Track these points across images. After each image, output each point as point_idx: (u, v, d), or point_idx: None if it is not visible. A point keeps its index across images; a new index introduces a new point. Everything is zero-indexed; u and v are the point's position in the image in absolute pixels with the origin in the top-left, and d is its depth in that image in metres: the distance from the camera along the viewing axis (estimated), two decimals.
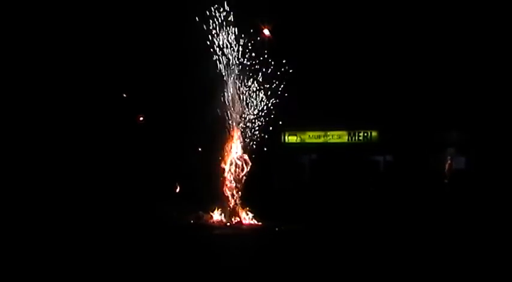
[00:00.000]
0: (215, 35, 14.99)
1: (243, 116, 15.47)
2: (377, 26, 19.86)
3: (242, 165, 15.47)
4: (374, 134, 22.30)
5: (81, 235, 11.26)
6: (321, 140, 22.97)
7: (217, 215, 15.32)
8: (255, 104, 15.51)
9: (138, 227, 12.83)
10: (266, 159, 19.24)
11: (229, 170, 15.42)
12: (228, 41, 15.08)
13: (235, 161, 15.47)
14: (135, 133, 20.91)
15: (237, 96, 15.29)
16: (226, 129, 15.50)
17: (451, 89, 19.71)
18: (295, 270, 8.28)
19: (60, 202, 15.80)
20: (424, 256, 9.36)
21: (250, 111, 15.54)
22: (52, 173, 18.30)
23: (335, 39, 20.13)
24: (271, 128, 16.18)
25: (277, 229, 13.35)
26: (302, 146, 23.17)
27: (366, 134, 22.41)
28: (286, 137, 23.28)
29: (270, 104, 15.75)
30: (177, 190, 16.42)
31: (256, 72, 15.48)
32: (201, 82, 15.86)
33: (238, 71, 15.26)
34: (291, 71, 15.99)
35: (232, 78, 15.21)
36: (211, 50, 15.07)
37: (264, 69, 15.53)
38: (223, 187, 15.40)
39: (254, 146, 15.72)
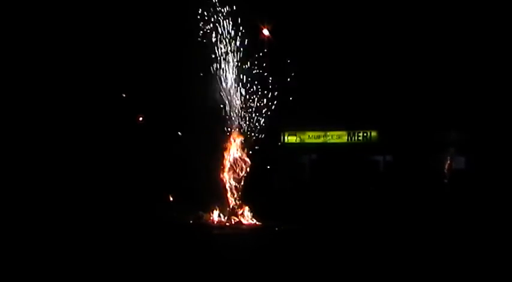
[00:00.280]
0: (215, 35, 14.99)
1: (243, 115, 15.47)
2: (377, 26, 19.87)
3: (242, 165, 15.46)
4: (374, 134, 22.32)
5: (81, 235, 11.25)
6: (321, 140, 23.00)
7: (217, 215, 15.31)
8: (255, 103, 15.49)
9: (138, 227, 12.82)
10: (266, 159, 19.25)
11: (229, 170, 15.41)
12: (227, 40, 15.07)
13: (235, 161, 15.46)
14: (135, 133, 20.90)
15: (237, 96, 15.28)
16: (226, 129, 15.50)
17: (451, 89, 19.73)
18: (295, 270, 8.28)
19: (60, 202, 15.79)
20: (424, 256, 9.35)
21: (250, 111, 15.53)
22: (52, 172, 18.29)
23: (335, 39, 20.15)
24: (271, 128, 16.18)
25: (277, 229, 13.34)
26: (302, 146, 23.20)
27: (365, 134, 22.43)
28: (286, 137, 23.30)
29: (270, 104, 15.75)
30: (171, 199, 16.38)
31: (256, 71, 15.48)
32: (201, 82, 15.85)
33: (238, 71, 15.25)
34: (291, 71, 15.97)
35: (232, 78, 15.20)
36: (211, 49, 15.07)
37: (264, 70, 15.53)
38: (223, 187, 15.40)
39: (254, 146, 15.71)
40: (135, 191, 17.46)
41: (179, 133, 18.03)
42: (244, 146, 15.54)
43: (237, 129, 15.52)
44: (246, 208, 15.28)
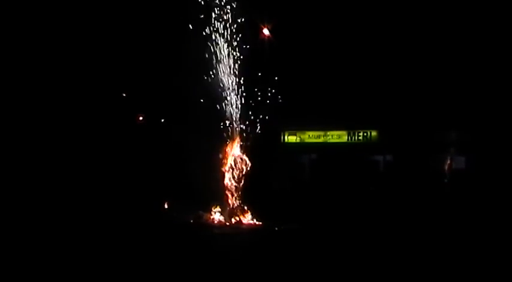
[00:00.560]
0: (215, 34, 14.99)
1: (243, 115, 15.47)
2: (377, 26, 19.86)
3: (242, 165, 15.47)
4: (374, 133, 22.31)
5: (81, 235, 11.25)
6: (321, 139, 22.98)
7: (217, 215, 15.31)
8: (255, 103, 15.50)
9: (138, 226, 12.82)
10: (266, 159, 19.25)
11: (229, 169, 15.41)
12: (227, 40, 15.07)
13: (235, 160, 15.46)
14: (135, 132, 20.90)
15: (237, 96, 15.28)
16: (226, 129, 15.50)
17: (451, 89, 19.73)
18: (295, 269, 8.27)
19: (60, 202, 15.79)
20: (424, 256, 9.35)
21: (250, 110, 15.53)
22: (52, 172, 18.28)
23: (335, 39, 20.14)
24: (271, 128, 16.17)
25: (276, 229, 13.35)
26: (302, 146, 23.18)
27: (365, 134, 22.42)
28: (286, 137, 23.28)
29: (270, 104, 15.75)
30: (166, 206, 16.37)
31: (256, 71, 15.49)
32: (201, 82, 15.85)
33: (238, 71, 15.25)
34: (291, 70, 15.98)
35: (232, 77, 15.20)
36: (212, 49, 15.08)
37: (264, 69, 15.53)
38: (223, 187, 15.40)
39: (254, 146, 15.72)
40: (135, 191, 17.46)
41: (179, 133, 18.05)
42: (244, 145, 15.55)
43: (237, 129, 15.53)
44: (246, 208, 15.30)
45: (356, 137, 22.53)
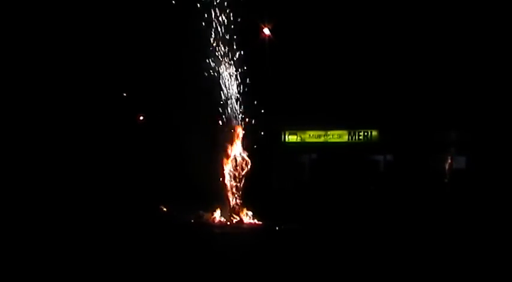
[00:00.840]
0: (215, 33, 14.99)
1: (244, 114, 15.47)
2: (377, 25, 19.86)
3: (242, 164, 15.47)
4: (374, 133, 22.32)
5: (81, 234, 11.26)
6: (321, 139, 22.98)
7: (217, 214, 15.32)
8: (256, 103, 15.50)
9: (138, 226, 12.83)
10: (266, 159, 19.26)
11: (230, 169, 15.41)
12: (228, 39, 15.07)
13: (235, 160, 15.46)
14: (135, 132, 20.92)
15: (237, 95, 15.29)
16: (227, 128, 15.50)
17: (451, 89, 19.73)
18: (295, 269, 8.28)
19: (60, 201, 15.80)
20: (425, 256, 9.36)
21: (250, 110, 15.53)
22: (52, 172, 18.30)
23: (335, 38, 20.14)
24: (271, 128, 16.18)
25: (277, 228, 13.35)
26: (302, 146, 23.19)
27: (366, 134, 22.42)
28: (286, 136, 23.29)
29: (270, 103, 15.76)
30: (164, 210, 16.38)
31: (257, 71, 15.48)
32: (201, 81, 15.85)
33: (238, 70, 15.26)
34: (291, 70, 15.98)
35: (233, 77, 15.20)
36: (212, 49, 15.08)
37: (265, 69, 15.53)
38: (223, 186, 15.40)
39: (254, 145, 15.72)
40: (135, 190, 17.47)
41: (180, 133, 18.07)
42: (245, 145, 15.56)
43: (238, 128, 15.53)
44: (247, 207, 15.30)
45: (356, 137, 22.54)
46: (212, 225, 14.60)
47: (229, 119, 15.48)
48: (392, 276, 7.95)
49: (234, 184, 15.40)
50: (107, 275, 7.71)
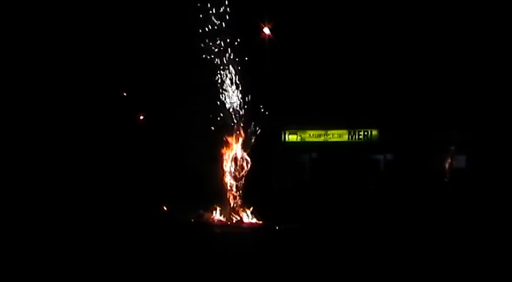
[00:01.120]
0: (215, 32, 14.98)
1: (244, 114, 15.46)
2: (378, 25, 19.86)
3: (242, 163, 15.47)
4: (374, 132, 22.32)
5: (81, 233, 11.27)
6: (322, 138, 22.98)
7: (217, 214, 15.31)
8: (256, 102, 15.49)
9: (139, 225, 12.83)
10: (267, 158, 19.26)
11: (230, 168, 15.41)
12: (228, 38, 15.06)
13: (235, 159, 15.46)
14: (135, 132, 20.91)
15: (238, 94, 15.28)
16: (227, 128, 15.49)
17: (452, 88, 19.73)
18: (295, 268, 8.28)
19: (60, 201, 15.80)
20: (425, 255, 9.36)
21: (251, 109, 15.53)
22: (52, 171, 18.30)
23: (335, 38, 20.14)
24: (272, 127, 16.16)
25: (277, 228, 13.35)
26: (302, 145, 23.18)
27: (366, 133, 22.42)
28: (286, 136, 23.29)
29: (271, 103, 15.74)
30: (165, 209, 16.39)
31: (257, 70, 15.47)
32: (201, 81, 15.85)
33: (238, 70, 15.24)
34: (292, 69, 15.97)
35: (233, 76, 15.20)
36: (212, 48, 15.07)
37: (265, 68, 15.52)
38: (223, 186, 15.40)
39: (255, 145, 15.72)
40: (135, 190, 17.47)
41: (180, 132, 18.07)
42: (245, 144, 15.55)
43: (238, 128, 15.52)
44: (247, 207, 15.30)
45: (357, 136, 22.54)
46: (212, 224, 14.60)
47: (229, 118, 15.48)
48: (392, 275, 7.95)
49: (234, 183, 15.40)
50: (107, 274, 7.72)
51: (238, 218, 15.10)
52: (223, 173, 15.46)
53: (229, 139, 15.52)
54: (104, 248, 9.67)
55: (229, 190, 15.39)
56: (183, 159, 17.97)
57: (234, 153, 15.48)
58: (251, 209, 15.20)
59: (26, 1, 18.84)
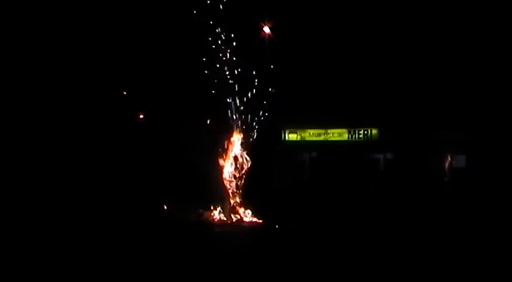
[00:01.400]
0: (215, 32, 14.99)
1: (244, 113, 15.47)
2: (378, 24, 19.85)
3: (242, 163, 15.48)
4: (374, 132, 22.31)
5: (82, 232, 11.27)
6: (321, 137, 22.97)
7: (217, 213, 15.33)
8: (256, 101, 15.50)
9: (138, 224, 12.84)
10: (266, 157, 19.26)
11: (230, 167, 15.42)
12: (228, 38, 15.07)
13: (235, 158, 15.47)
14: (135, 131, 20.89)
15: (238, 94, 15.29)
16: (227, 127, 15.50)
17: (451, 88, 19.73)
18: (295, 267, 8.29)
19: (60, 200, 15.80)
20: (425, 255, 9.36)
21: (251, 108, 15.53)
22: (51, 171, 18.29)
23: (335, 37, 20.12)
24: (271, 126, 16.15)
25: (277, 227, 13.36)
26: (302, 144, 23.18)
27: (366, 132, 22.41)
28: (286, 135, 23.28)
29: (271, 102, 15.75)
30: (165, 208, 16.39)
31: (257, 69, 15.48)
32: (201, 80, 15.85)
33: (239, 69, 15.25)
34: (292, 68, 15.97)
35: (232, 75, 15.20)
36: (212, 47, 15.07)
37: (265, 67, 15.52)
38: (223, 185, 15.41)
39: (255, 144, 15.73)
40: (135, 189, 17.47)
41: (180, 131, 18.07)
42: (245, 143, 15.56)
43: (238, 127, 15.53)
44: (247, 206, 15.31)
45: (357, 135, 22.53)
46: (212, 223, 14.61)
47: (229, 118, 15.48)
48: (392, 275, 7.95)
49: (234, 182, 15.41)
50: (108, 272, 7.72)
51: (238, 217, 15.12)
52: (223, 172, 15.47)
53: (229, 138, 15.53)
54: (103, 247, 9.67)
55: (229, 189, 15.40)
56: (183, 158, 17.97)
57: (234, 152, 15.49)
58: (251, 208, 15.22)
59: (26, 1, 18.82)
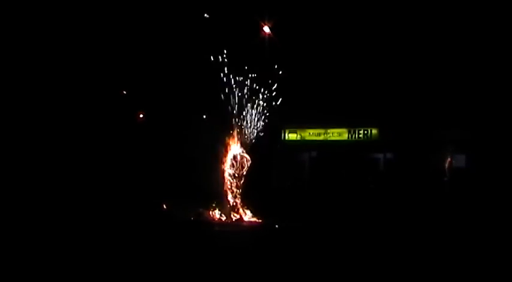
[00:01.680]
0: (215, 32, 14.98)
1: (244, 113, 15.47)
2: (378, 24, 19.85)
3: (242, 162, 15.48)
4: (374, 131, 22.29)
5: (82, 232, 11.27)
6: (321, 137, 22.96)
7: (217, 212, 15.33)
8: (255, 101, 15.51)
9: (139, 223, 12.83)
10: (266, 157, 19.25)
11: (230, 167, 15.42)
12: (228, 38, 15.06)
13: (235, 158, 15.47)
14: (135, 131, 20.90)
15: (238, 94, 15.29)
16: (227, 127, 15.50)
17: (451, 87, 19.71)
18: (295, 267, 8.28)
19: (60, 200, 15.79)
20: (425, 254, 9.35)
21: (250, 108, 15.54)
22: (51, 171, 18.28)
23: (335, 37, 20.12)
24: (271, 126, 16.15)
25: (277, 226, 13.36)
26: (302, 144, 23.17)
27: (366, 132, 22.39)
28: (286, 135, 23.27)
29: (270, 102, 15.76)
30: (165, 207, 16.39)
31: (256, 70, 15.48)
32: (201, 80, 15.85)
33: (239, 69, 15.25)
34: (291, 68, 15.96)
35: (233, 75, 15.21)
36: (212, 47, 15.06)
37: (264, 67, 15.52)
38: (223, 184, 15.41)
39: (254, 143, 15.73)
40: (135, 189, 17.47)
41: (180, 131, 18.07)
42: (245, 143, 15.56)
43: (238, 127, 15.54)
44: (246, 205, 15.32)
45: (356, 135, 22.51)
46: (212, 222, 14.61)
47: (229, 117, 15.48)
48: (392, 274, 7.95)
49: (234, 182, 15.42)
50: (108, 271, 7.71)
51: (238, 217, 15.12)
52: (223, 171, 15.48)
53: (229, 138, 15.53)
54: (103, 246, 9.66)
55: (229, 188, 15.40)
56: (182, 158, 17.97)
57: (234, 152, 15.49)
58: (251, 207, 15.22)
59: (26, 1, 18.81)
